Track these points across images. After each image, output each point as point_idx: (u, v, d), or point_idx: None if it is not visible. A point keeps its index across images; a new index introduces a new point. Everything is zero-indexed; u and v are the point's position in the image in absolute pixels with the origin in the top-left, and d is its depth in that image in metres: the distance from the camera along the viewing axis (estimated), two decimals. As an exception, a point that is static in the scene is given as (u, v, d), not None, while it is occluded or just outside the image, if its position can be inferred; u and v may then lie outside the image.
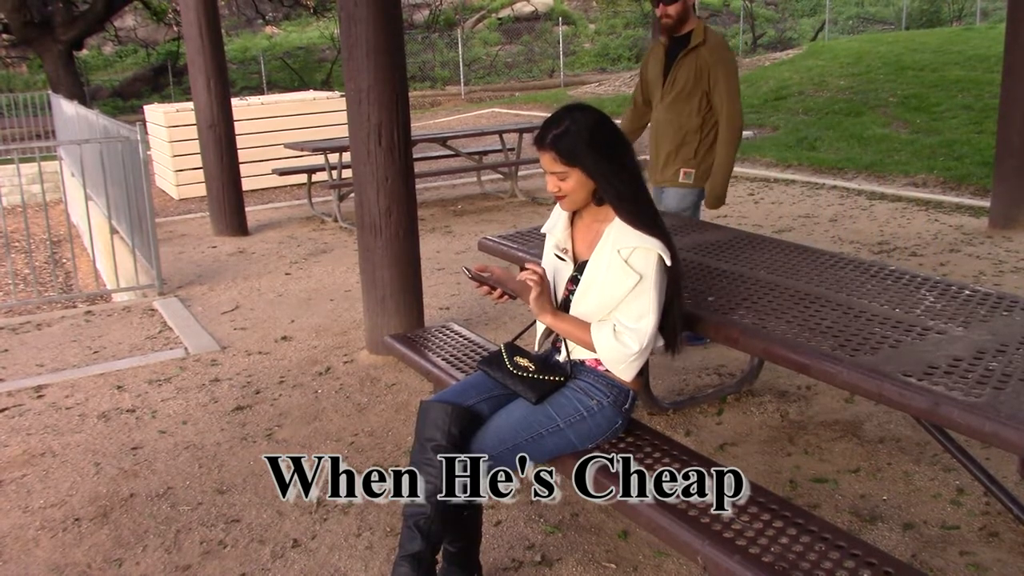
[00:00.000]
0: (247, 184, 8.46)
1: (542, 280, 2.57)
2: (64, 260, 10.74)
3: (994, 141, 6.97)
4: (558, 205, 2.66)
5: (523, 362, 2.61)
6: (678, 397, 4.07)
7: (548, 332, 2.75)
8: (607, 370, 2.57)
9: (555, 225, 2.73)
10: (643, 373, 3.81)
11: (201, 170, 8.05)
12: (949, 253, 6.28)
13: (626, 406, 2.62)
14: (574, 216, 2.68)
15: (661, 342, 2.61)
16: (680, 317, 2.63)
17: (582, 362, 2.63)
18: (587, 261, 2.57)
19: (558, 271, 2.68)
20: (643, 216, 2.50)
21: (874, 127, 11.44)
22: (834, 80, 14.62)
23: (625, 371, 2.54)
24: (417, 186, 5.04)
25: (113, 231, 7.45)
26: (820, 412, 3.89)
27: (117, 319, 5.72)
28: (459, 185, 10.12)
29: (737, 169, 10.13)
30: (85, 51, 27.82)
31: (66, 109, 11.82)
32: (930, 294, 2.82)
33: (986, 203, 7.34)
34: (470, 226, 7.90)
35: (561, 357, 2.67)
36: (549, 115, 2.56)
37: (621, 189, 2.49)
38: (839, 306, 2.74)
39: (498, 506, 3.19)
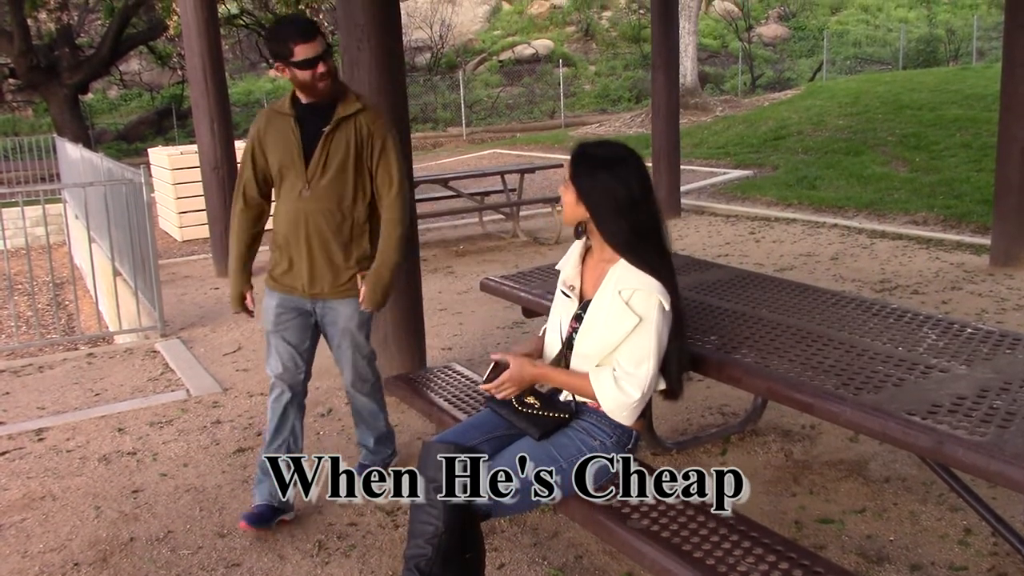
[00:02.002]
0: (250, 226, 8.48)
1: (511, 377, 2.56)
2: (67, 302, 10.76)
3: (993, 179, 7.01)
4: (576, 242, 2.69)
5: (529, 399, 2.61)
6: (681, 437, 4.05)
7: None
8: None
9: (567, 261, 2.74)
10: (645, 414, 3.79)
11: (204, 212, 8.09)
12: (951, 291, 6.29)
13: (629, 446, 2.61)
14: (586, 254, 2.70)
15: (662, 385, 2.60)
16: (681, 361, 2.62)
17: (585, 402, 2.63)
18: (591, 300, 2.58)
19: (564, 307, 2.69)
20: (646, 257, 2.51)
21: (873, 166, 11.51)
22: (833, 120, 14.73)
23: (628, 418, 2.53)
24: (419, 227, 5.06)
25: (116, 273, 7.47)
26: (825, 451, 3.86)
27: (119, 361, 5.72)
28: (461, 226, 10.16)
29: (738, 208, 10.18)
30: (90, 95, 28.11)
31: (71, 152, 11.92)
32: (932, 332, 2.82)
33: (987, 241, 7.36)
34: (472, 266, 7.91)
35: (566, 396, 2.67)
36: (571, 153, 2.60)
37: (614, 230, 2.50)
38: (841, 345, 2.74)
39: (501, 548, 3.16)
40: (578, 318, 2.62)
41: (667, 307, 2.48)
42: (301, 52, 3.09)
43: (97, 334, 7.67)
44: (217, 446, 4.22)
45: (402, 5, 6.66)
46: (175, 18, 15.63)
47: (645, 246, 2.51)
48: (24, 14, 19.35)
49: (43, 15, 19.07)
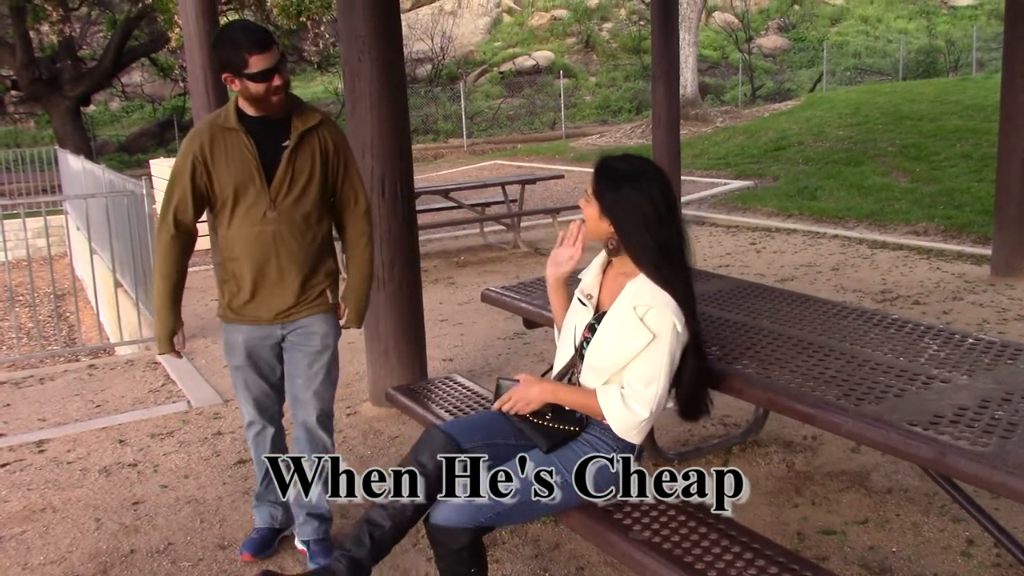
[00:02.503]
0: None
1: (519, 395, 2.57)
2: (68, 314, 10.76)
3: (994, 189, 7.02)
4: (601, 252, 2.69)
5: (540, 408, 2.60)
6: (683, 448, 4.05)
7: (563, 378, 2.73)
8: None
9: (588, 271, 2.73)
10: (647, 424, 3.78)
11: (205, 223, 8.09)
12: (952, 301, 6.28)
13: (632, 459, 2.61)
14: (608, 266, 2.68)
15: (670, 404, 2.59)
16: (699, 382, 2.60)
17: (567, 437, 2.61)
18: (606, 312, 2.57)
19: (579, 315, 2.68)
20: (667, 274, 2.48)
21: (874, 176, 11.52)
22: (833, 130, 14.75)
23: (637, 436, 2.52)
24: (420, 238, 5.06)
25: (117, 284, 7.48)
26: (827, 462, 3.85)
27: (120, 372, 5.72)
28: (462, 236, 10.17)
29: (739, 219, 10.19)
30: (92, 107, 28.20)
31: (72, 164, 11.95)
32: (934, 343, 2.81)
33: (987, 251, 7.36)
34: (473, 277, 7.92)
35: None
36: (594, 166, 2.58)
37: (639, 244, 2.47)
38: (843, 355, 2.74)
39: (502, 560, 3.15)
40: (591, 328, 2.61)
41: (680, 328, 2.45)
42: (256, 63, 2.82)
43: (98, 345, 7.67)
44: (218, 457, 4.22)
45: (403, 17, 6.70)
46: (177, 30, 15.69)
47: (669, 263, 2.49)
48: (27, 26, 19.44)
49: (45, 27, 19.14)
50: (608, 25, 34.70)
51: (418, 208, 6.55)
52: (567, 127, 25.73)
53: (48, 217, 7.44)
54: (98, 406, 5.06)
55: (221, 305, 3.15)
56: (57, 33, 18.74)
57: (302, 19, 18.93)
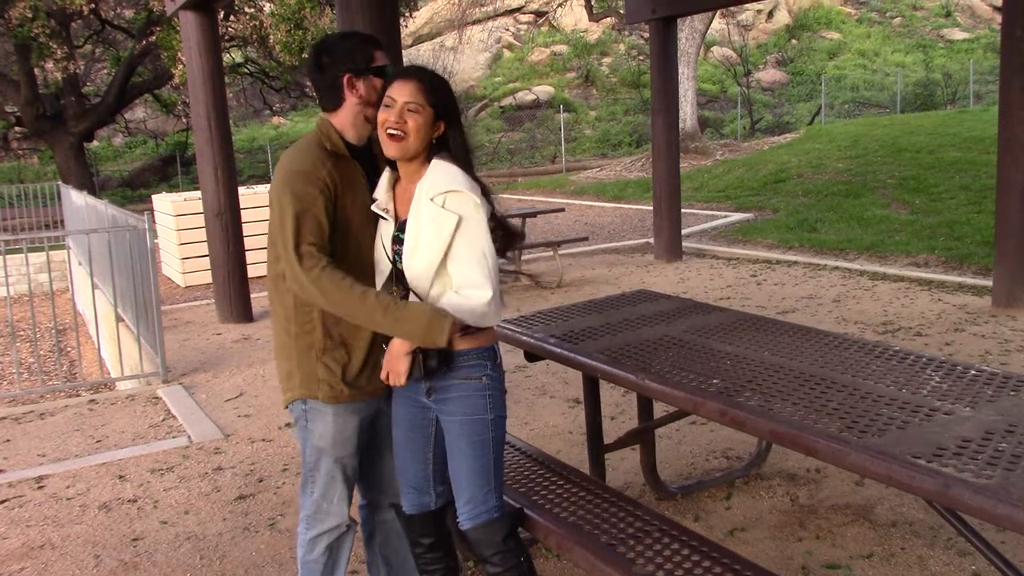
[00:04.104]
0: (253, 271, 8.51)
1: (389, 365, 2.47)
2: (69, 348, 10.75)
3: (993, 221, 7.04)
4: (385, 172, 2.58)
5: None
6: (686, 481, 4.02)
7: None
8: (466, 341, 2.46)
9: (379, 189, 2.58)
10: (648, 455, 3.76)
11: (207, 258, 8.12)
12: (954, 333, 6.27)
13: (498, 360, 2.57)
14: (396, 184, 2.57)
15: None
16: (504, 252, 2.59)
17: (447, 351, 2.47)
18: (406, 220, 2.49)
19: (384, 229, 2.57)
20: (469, 158, 2.51)
21: (874, 208, 11.56)
22: (832, 163, 14.82)
23: (494, 316, 2.45)
24: (421, 271, 5.06)
25: (119, 319, 7.48)
26: (830, 495, 3.83)
27: (120, 408, 5.70)
28: (463, 270, 10.17)
29: (739, 251, 10.21)
30: (95, 142, 28.36)
31: (75, 199, 12.00)
32: (936, 374, 2.81)
33: (988, 282, 7.37)
34: (474, 310, 7.90)
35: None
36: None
37: (457, 136, 2.50)
38: (845, 387, 2.73)
39: None
40: (397, 240, 2.52)
41: (479, 200, 2.41)
42: (381, 58, 2.52)
43: (99, 380, 7.65)
44: (218, 493, 4.19)
45: (404, 53, 6.77)
46: (180, 67, 15.84)
47: (468, 152, 2.53)
48: (31, 63, 19.61)
49: (50, 65, 19.28)
50: (608, 60, 34.99)
51: (419, 242, 6.52)
52: (567, 161, 25.86)
53: (50, 252, 7.45)
54: (98, 441, 5.04)
55: (323, 382, 2.49)
56: (61, 70, 18.90)
57: (304, 55, 19.13)
